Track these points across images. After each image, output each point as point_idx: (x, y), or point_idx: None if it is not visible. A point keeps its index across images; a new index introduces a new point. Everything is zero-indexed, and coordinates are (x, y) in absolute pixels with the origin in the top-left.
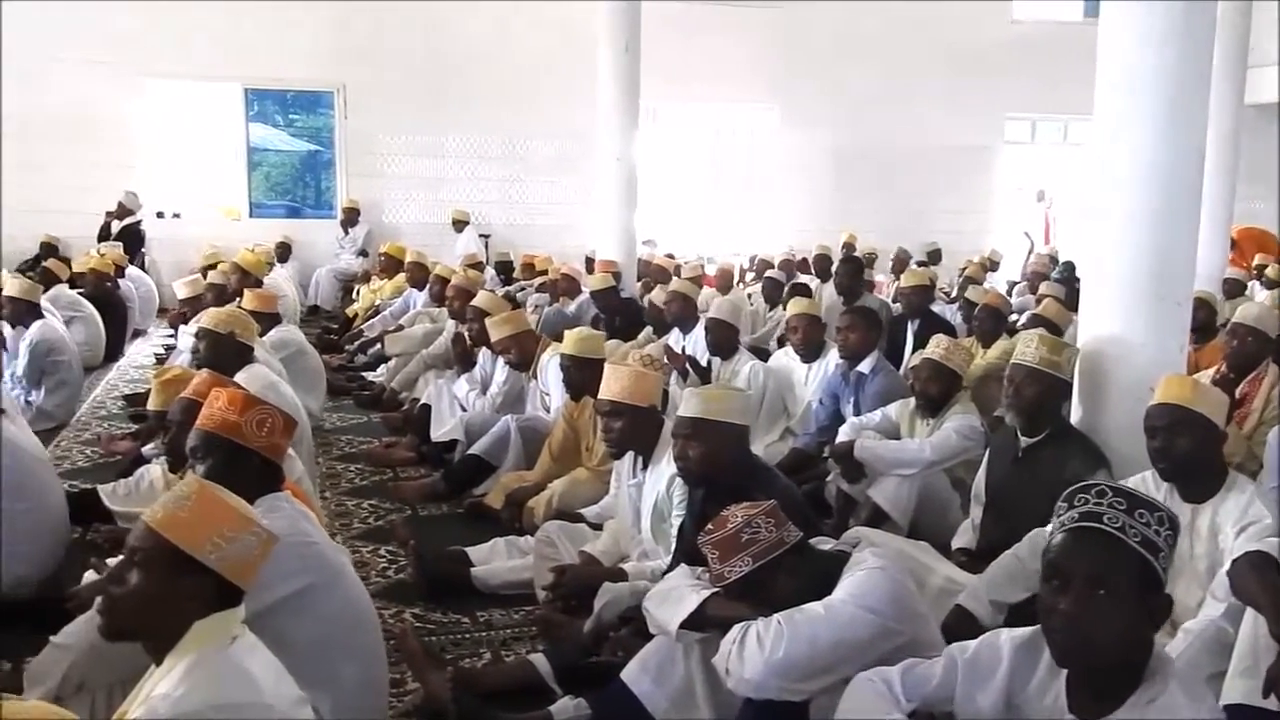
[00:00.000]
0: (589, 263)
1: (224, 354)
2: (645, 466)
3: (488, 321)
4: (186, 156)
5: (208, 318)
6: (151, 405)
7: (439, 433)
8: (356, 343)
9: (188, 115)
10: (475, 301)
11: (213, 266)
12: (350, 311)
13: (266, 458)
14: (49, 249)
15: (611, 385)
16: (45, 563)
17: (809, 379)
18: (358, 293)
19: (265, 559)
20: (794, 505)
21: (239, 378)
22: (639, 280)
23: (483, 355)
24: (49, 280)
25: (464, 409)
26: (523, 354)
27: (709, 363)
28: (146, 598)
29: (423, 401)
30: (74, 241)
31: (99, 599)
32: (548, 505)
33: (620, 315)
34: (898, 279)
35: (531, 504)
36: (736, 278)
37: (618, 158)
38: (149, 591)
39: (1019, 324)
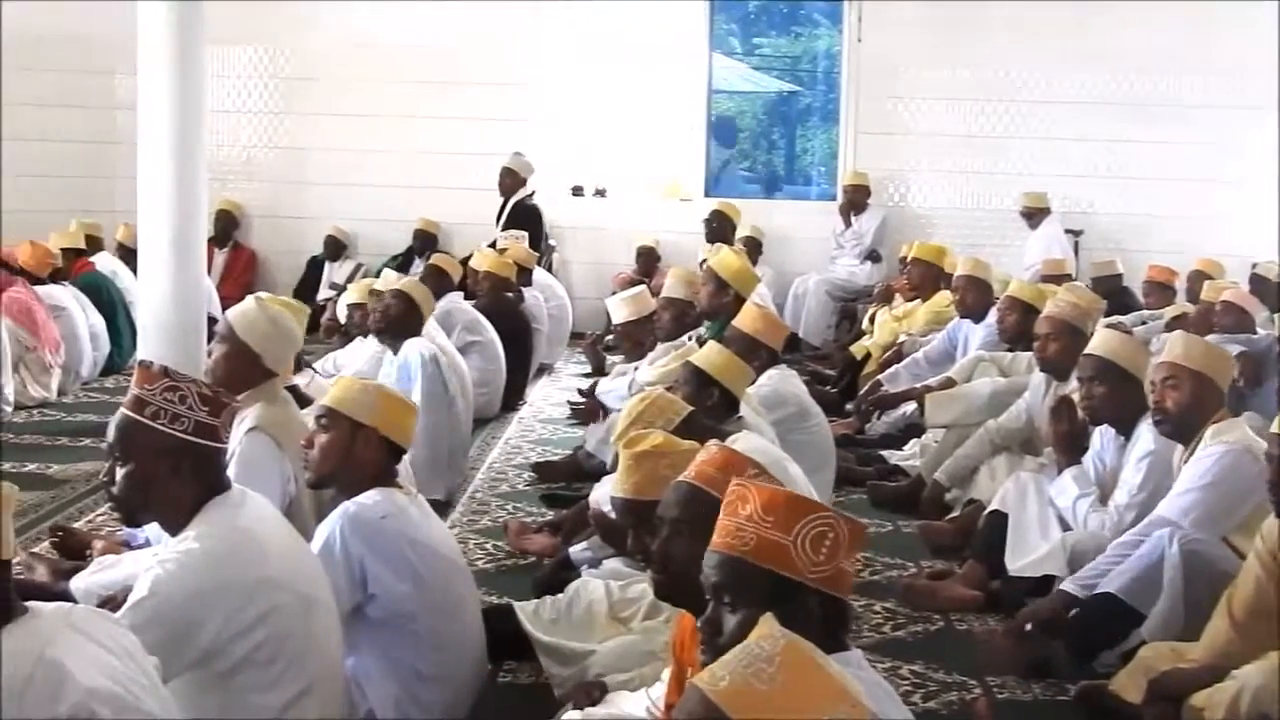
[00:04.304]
0: (1256, 282)
1: (710, 415)
2: None
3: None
4: (615, 103)
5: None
6: (621, 490)
7: (1023, 561)
8: (871, 400)
9: (618, 39)
10: (1094, 346)
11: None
12: (857, 349)
13: (830, 596)
14: (426, 239)
15: None
16: (453, 713)
17: None
18: (871, 319)
19: None
20: None
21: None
22: None
23: (1100, 435)
24: (437, 286)
25: (1066, 526)
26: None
27: None
28: None
29: (992, 507)
30: (452, 229)
31: None
32: (1232, 708)
33: None
34: None
35: (1200, 702)
36: None
37: None
38: None
39: None
